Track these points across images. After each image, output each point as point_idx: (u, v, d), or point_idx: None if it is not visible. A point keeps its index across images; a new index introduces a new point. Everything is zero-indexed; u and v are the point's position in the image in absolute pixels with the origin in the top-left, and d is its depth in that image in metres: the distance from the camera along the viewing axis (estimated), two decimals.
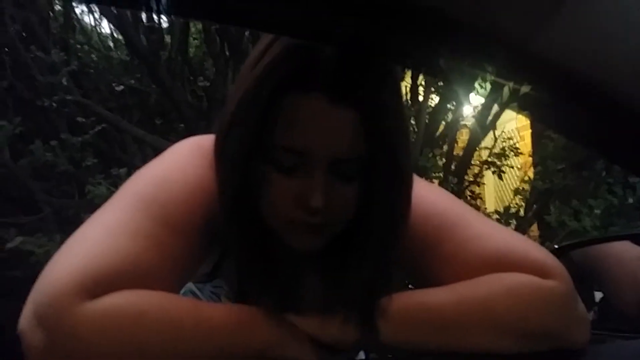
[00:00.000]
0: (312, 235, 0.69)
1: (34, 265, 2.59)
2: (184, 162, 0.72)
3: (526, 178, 3.12)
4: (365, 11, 0.51)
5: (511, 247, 0.73)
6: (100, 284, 0.56)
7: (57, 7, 3.95)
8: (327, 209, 0.65)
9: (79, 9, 3.98)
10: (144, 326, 0.57)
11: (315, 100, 0.63)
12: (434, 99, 3.37)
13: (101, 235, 0.61)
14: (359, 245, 0.67)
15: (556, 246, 1.69)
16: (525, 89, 0.60)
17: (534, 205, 3.02)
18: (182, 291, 0.86)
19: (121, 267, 0.59)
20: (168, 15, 3.30)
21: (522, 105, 0.65)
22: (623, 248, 1.32)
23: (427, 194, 0.78)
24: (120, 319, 0.56)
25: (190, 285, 0.88)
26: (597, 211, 2.53)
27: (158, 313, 0.58)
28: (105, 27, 4.08)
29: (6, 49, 3.38)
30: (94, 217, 0.66)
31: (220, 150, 0.69)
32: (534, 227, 3.21)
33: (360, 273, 0.66)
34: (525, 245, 0.75)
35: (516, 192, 3.05)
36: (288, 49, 0.65)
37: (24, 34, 3.49)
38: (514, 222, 2.89)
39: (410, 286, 1.11)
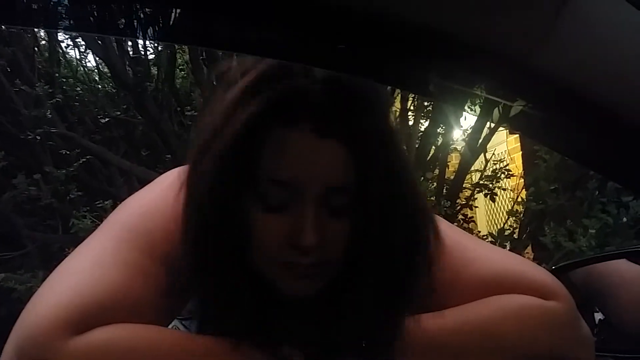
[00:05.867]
0: (306, 280, 0.64)
1: (16, 303, 2.53)
2: (169, 192, 0.68)
3: (519, 200, 3.11)
4: (359, 33, 0.49)
5: (510, 269, 0.71)
6: (86, 318, 0.54)
7: (43, 42, 3.97)
8: (319, 246, 0.61)
9: (64, 43, 4.00)
10: None
11: (301, 134, 0.60)
12: (424, 123, 3.38)
13: (86, 268, 0.59)
14: (355, 287, 0.63)
15: (553, 267, 1.66)
16: (515, 109, 0.58)
17: (528, 227, 3.01)
18: (169, 326, 0.82)
19: (107, 300, 0.56)
20: (157, 41, 3.30)
21: (514, 125, 0.63)
22: (622, 267, 1.29)
23: None
24: (110, 355, 0.54)
25: (176, 322, 0.84)
26: (592, 231, 2.52)
27: (147, 347, 0.56)
28: (91, 60, 4.09)
29: None
30: (78, 248, 0.64)
31: (194, 184, 0.63)
32: (529, 249, 3.19)
33: (360, 317, 0.62)
34: (525, 266, 0.73)
35: (510, 213, 3.04)
36: (267, 78, 0.61)
37: (8, 69, 3.49)
38: (508, 244, 2.87)
39: None
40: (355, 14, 0.48)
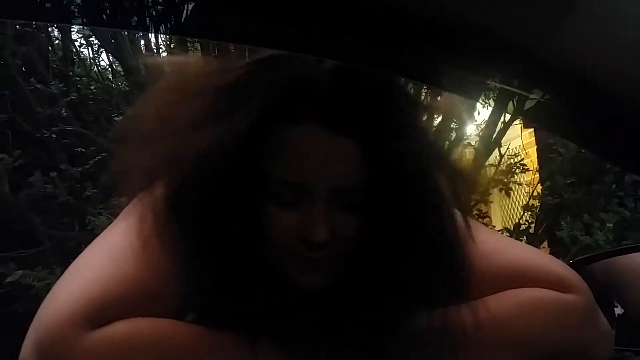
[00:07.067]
0: (318, 273, 0.64)
1: (34, 300, 2.56)
2: None
3: (535, 194, 3.08)
4: (369, 24, 0.49)
5: (527, 262, 0.70)
6: (103, 312, 0.54)
7: (57, 41, 4.00)
8: (330, 241, 0.61)
9: (78, 42, 4.02)
10: (153, 354, 0.55)
11: (310, 132, 0.59)
12: (437, 118, 3.35)
13: (102, 261, 0.59)
14: (366, 280, 0.63)
15: (571, 261, 1.64)
16: (530, 102, 0.57)
17: (544, 222, 2.98)
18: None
19: (124, 293, 0.56)
20: (169, 35, 3.30)
21: (529, 118, 0.62)
22: None
23: None
24: (125, 349, 0.54)
25: (192, 315, 0.84)
26: (609, 225, 2.49)
27: (165, 341, 0.56)
28: (104, 59, 4.12)
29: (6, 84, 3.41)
30: (94, 242, 0.64)
31: (216, 185, 0.61)
32: (545, 243, 3.16)
33: (370, 310, 0.62)
34: (542, 259, 0.72)
35: (525, 208, 3.01)
36: (273, 75, 0.60)
37: (23, 69, 3.52)
38: (524, 239, 2.85)
39: None
40: (366, 4, 0.47)
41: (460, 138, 3.30)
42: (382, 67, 0.60)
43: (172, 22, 0.50)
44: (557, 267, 0.70)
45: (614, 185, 2.79)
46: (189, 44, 3.60)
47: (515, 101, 0.60)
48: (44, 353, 0.53)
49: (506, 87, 0.57)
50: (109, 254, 0.60)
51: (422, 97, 3.22)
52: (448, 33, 0.49)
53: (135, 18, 0.50)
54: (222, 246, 0.60)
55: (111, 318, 0.54)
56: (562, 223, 2.68)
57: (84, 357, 0.52)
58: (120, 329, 0.54)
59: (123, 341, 0.54)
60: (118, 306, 0.55)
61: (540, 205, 3.02)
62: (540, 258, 0.72)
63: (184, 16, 0.48)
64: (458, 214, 0.66)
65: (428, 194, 0.64)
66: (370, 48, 0.52)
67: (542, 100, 0.58)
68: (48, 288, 0.60)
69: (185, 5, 0.48)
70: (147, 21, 0.49)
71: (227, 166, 0.58)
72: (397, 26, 0.49)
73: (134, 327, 0.55)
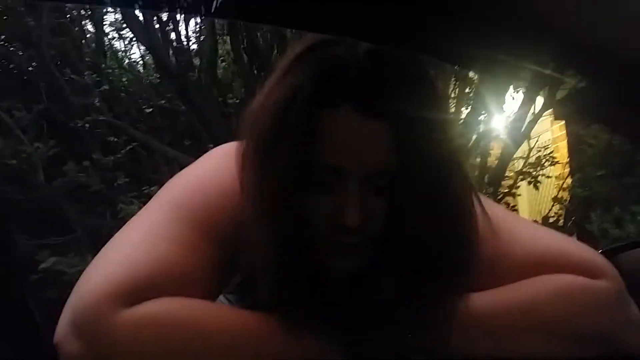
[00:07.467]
0: (350, 257, 0.65)
1: (66, 286, 2.60)
2: (219, 167, 0.70)
3: (564, 187, 3.03)
4: (408, 4, 0.49)
5: (557, 248, 0.69)
6: (137, 291, 0.55)
7: (89, 35, 4.08)
8: (362, 227, 0.61)
9: (110, 35, 4.09)
10: (183, 334, 0.55)
11: (346, 115, 0.60)
12: (465, 111, 3.32)
13: (137, 242, 0.60)
14: (396, 264, 0.63)
15: (599, 250, 1.61)
16: (562, 93, 0.57)
17: (574, 215, 2.93)
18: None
19: (158, 274, 0.57)
20: (206, 16, 3.33)
21: (561, 108, 0.61)
22: None
23: None
24: (159, 327, 0.55)
25: (220, 296, 0.86)
26: None
27: (197, 321, 0.56)
28: (135, 51, 4.18)
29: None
30: (128, 224, 0.64)
31: (257, 167, 0.64)
32: (574, 237, 3.11)
33: (403, 290, 0.62)
34: (572, 246, 0.70)
35: (555, 200, 2.96)
36: (315, 62, 0.62)
37: (58, 60, 3.60)
38: None
39: None
40: None
41: (488, 130, 3.27)
42: (414, 48, 0.61)
43: (204, 5, 0.51)
44: (588, 253, 0.69)
45: None
46: (218, 36, 3.64)
47: (546, 91, 0.59)
48: (79, 330, 0.54)
49: (541, 69, 0.56)
50: (144, 235, 0.61)
51: (451, 88, 3.19)
52: (481, 10, 0.49)
53: (167, 2, 0.51)
54: (267, 226, 0.61)
55: (144, 297, 0.55)
56: (592, 216, 2.63)
57: (120, 334, 0.53)
58: (152, 308, 0.55)
59: (154, 320, 0.55)
60: (151, 286, 0.56)
61: (570, 198, 2.97)
62: (571, 245, 0.71)
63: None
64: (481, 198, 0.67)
65: (454, 180, 0.64)
66: (403, 28, 0.52)
67: (577, 86, 0.56)
68: (80, 275, 0.61)
69: None
70: (179, 5, 0.50)
71: (268, 146, 0.61)
72: (429, 5, 0.49)
73: (165, 307, 0.56)
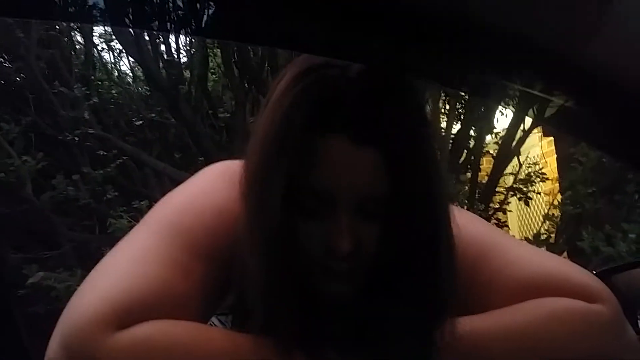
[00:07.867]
0: (342, 283, 0.65)
1: (54, 301, 2.58)
2: (211, 186, 0.70)
3: (555, 203, 3.05)
4: (397, 28, 0.49)
5: (552, 271, 0.69)
6: (129, 313, 0.55)
7: (79, 46, 4.07)
8: (353, 254, 0.61)
9: (99, 46, 4.08)
10: (175, 357, 0.55)
11: (338, 143, 0.60)
12: (456, 126, 3.34)
13: (128, 264, 0.60)
14: (390, 288, 0.63)
15: (594, 272, 1.62)
16: (551, 110, 0.57)
17: (564, 232, 2.94)
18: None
19: (150, 296, 0.57)
20: (196, 35, 3.34)
21: (551, 124, 0.61)
22: None
23: (460, 222, 0.74)
24: (151, 350, 0.54)
25: (213, 318, 0.85)
26: (632, 235, 2.44)
27: (189, 344, 0.56)
28: (125, 63, 4.17)
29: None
30: (120, 244, 0.64)
31: (251, 192, 0.64)
32: (565, 254, 3.12)
33: (396, 318, 0.62)
34: (567, 268, 0.70)
35: (546, 218, 2.97)
36: (310, 87, 0.61)
37: (47, 72, 3.58)
38: (544, 249, 2.81)
39: None
40: (394, 7, 0.47)
41: (479, 146, 3.28)
42: (406, 69, 0.61)
43: (194, 24, 0.51)
44: (584, 276, 0.69)
45: (637, 195, 2.74)
46: (208, 49, 3.65)
47: (535, 109, 0.60)
48: (71, 353, 0.54)
49: (529, 90, 0.56)
50: (134, 257, 0.61)
51: (441, 105, 3.22)
52: (472, 34, 0.49)
53: (157, 20, 0.51)
54: (260, 249, 0.61)
55: (137, 319, 0.55)
56: (584, 233, 2.63)
57: (111, 357, 0.53)
58: (144, 330, 0.55)
59: (147, 342, 0.54)
60: (143, 309, 0.56)
61: (561, 215, 2.98)
62: (566, 267, 0.70)
63: (205, 18, 0.49)
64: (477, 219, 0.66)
65: (443, 203, 0.64)
66: (393, 48, 0.52)
67: (565, 105, 0.57)
68: (68, 290, 0.61)
69: (207, 7, 0.48)
70: (169, 23, 0.50)
71: (264, 169, 0.61)
72: (420, 27, 0.49)
73: (157, 329, 0.55)
